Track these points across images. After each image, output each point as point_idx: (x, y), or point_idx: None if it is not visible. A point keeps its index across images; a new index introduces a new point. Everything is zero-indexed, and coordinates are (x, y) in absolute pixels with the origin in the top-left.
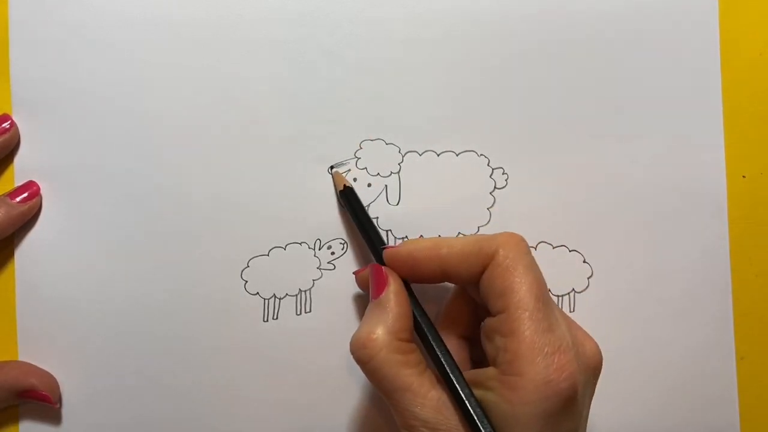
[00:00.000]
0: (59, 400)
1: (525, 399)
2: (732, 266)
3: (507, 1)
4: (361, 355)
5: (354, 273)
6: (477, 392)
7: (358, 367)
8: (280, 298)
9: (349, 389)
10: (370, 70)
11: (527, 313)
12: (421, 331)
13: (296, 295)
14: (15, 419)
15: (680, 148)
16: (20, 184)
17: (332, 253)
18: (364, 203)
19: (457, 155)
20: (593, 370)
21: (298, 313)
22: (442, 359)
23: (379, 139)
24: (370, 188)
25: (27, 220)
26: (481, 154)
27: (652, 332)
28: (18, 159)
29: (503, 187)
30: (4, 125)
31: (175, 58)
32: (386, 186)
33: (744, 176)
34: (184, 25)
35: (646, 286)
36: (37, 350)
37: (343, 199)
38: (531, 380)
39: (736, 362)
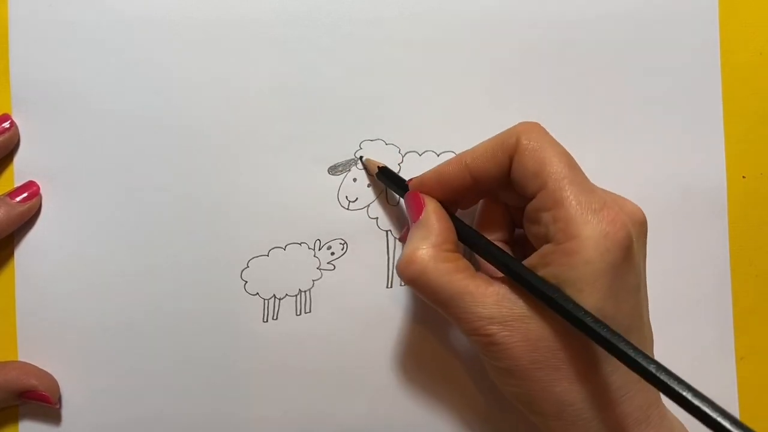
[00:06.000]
0: (59, 400)
1: (586, 258)
2: (732, 266)
3: (507, 1)
4: (411, 271)
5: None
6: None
7: (358, 368)
8: (279, 299)
9: (348, 389)
10: (370, 70)
11: (567, 180)
12: (466, 240)
13: (296, 296)
14: (15, 419)
15: (680, 148)
16: (20, 184)
17: (332, 254)
18: (365, 203)
19: None
20: (640, 225)
21: (298, 313)
22: (495, 251)
23: (379, 139)
24: (369, 188)
25: (27, 220)
26: None
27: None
28: (18, 159)
29: None
30: (4, 125)
31: (174, 58)
32: (386, 186)
33: (744, 176)
34: (184, 25)
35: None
36: (37, 350)
37: (381, 179)
38: (588, 237)
39: (736, 362)
